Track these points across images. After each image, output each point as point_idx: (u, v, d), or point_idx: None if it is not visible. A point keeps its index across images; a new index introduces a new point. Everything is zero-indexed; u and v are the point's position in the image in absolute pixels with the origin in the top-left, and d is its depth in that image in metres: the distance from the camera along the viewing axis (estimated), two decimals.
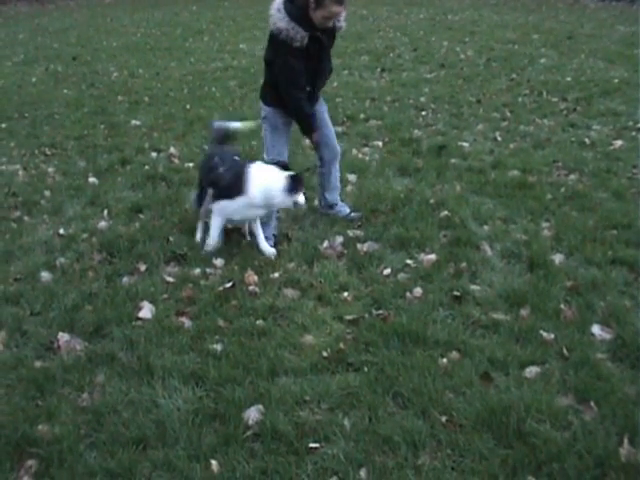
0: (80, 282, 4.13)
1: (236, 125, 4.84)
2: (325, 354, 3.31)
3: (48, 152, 6.94)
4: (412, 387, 3.01)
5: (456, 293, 3.81)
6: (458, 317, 3.61)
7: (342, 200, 5.00)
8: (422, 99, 8.45)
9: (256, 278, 4.08)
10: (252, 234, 4.50)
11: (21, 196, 5.65)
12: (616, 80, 8.69)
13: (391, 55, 11.44)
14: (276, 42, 4.19)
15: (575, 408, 2.89)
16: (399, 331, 3.43)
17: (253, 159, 4.56)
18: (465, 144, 6.58)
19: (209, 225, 4.41)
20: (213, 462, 2.65)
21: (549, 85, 8.76)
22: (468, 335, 3.43)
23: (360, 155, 6.33)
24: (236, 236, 4.66)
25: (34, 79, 10.89)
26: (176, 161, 6.42)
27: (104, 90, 9.85)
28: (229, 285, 3.96)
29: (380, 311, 3.68)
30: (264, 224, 4.50)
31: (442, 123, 7.42)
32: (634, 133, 6.68)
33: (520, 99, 8.23)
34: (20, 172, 6.32)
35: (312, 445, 2.72)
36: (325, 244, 4.50)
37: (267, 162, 4.38)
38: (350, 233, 4.64)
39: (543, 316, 3.57)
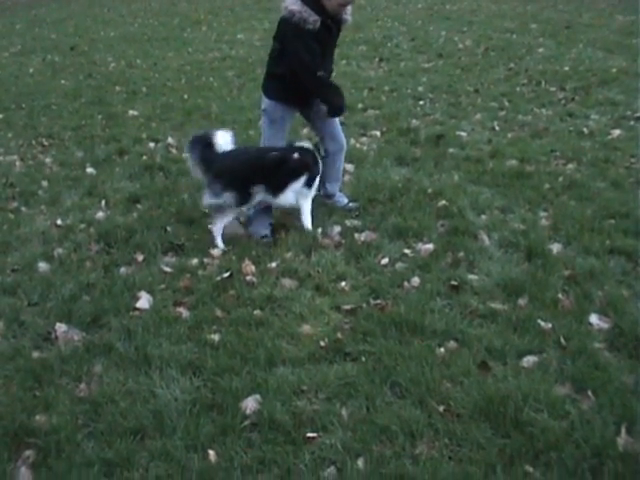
0: (78, 272, 4.13)
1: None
2: (323, 344, 3.31)
3: (45, 143, 6.92)
4: (410, 377, 3.01)
5: (454, 282, 3.80)
6: (456, 306, 3.61)
7: (340, 190, 4.99)
8: (420, 89, 8.41)
9: (254, 268, 4.08)
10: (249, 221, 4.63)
11: (18, 187, 5.64)
12: (614, 70, 8.64)
13: (389, 45, 11.37)
14: (289, 26, 4.20)
15: (573, 397, 2.89)
16: (397, 321, 3.43)
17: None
18: (463, 134, 6.56)
19: (214, 226, 4.39)
20: (211, 452, 2.66)
21: (547, 75, 8.72)
22: (466, 324, 3.43)
23: (358, 145, 6.31)
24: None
25: (31, 70, 10.85)
26: (174, 151, 6.41)
27: (102, 80, 9.81)
28: (227, 275, 3.96)
29: (378, 301, 3.68)
30: (262, 211, 4.58)
31: (440, 113, 7.39)
32: (632, 122, 6.66)
33: (518, 89, 8.19)
34: (17, 163, 6.32)
35: (310, 435, 2.73)
36: (320, 231, 4.50)
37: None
38: (348, 223, 4.64)
39: (541, 305, 3.56)
